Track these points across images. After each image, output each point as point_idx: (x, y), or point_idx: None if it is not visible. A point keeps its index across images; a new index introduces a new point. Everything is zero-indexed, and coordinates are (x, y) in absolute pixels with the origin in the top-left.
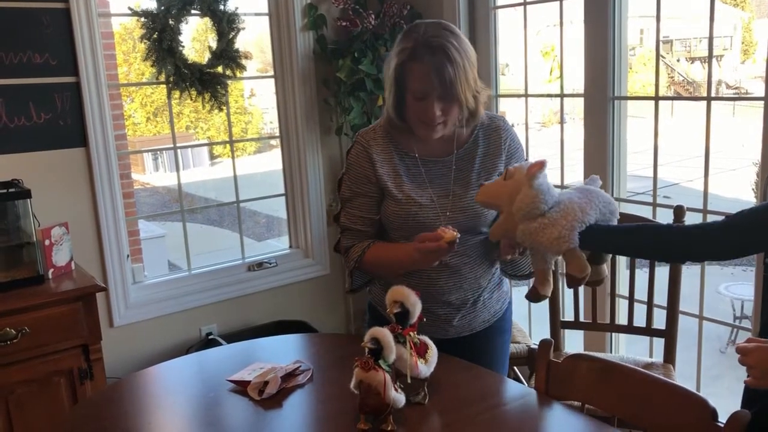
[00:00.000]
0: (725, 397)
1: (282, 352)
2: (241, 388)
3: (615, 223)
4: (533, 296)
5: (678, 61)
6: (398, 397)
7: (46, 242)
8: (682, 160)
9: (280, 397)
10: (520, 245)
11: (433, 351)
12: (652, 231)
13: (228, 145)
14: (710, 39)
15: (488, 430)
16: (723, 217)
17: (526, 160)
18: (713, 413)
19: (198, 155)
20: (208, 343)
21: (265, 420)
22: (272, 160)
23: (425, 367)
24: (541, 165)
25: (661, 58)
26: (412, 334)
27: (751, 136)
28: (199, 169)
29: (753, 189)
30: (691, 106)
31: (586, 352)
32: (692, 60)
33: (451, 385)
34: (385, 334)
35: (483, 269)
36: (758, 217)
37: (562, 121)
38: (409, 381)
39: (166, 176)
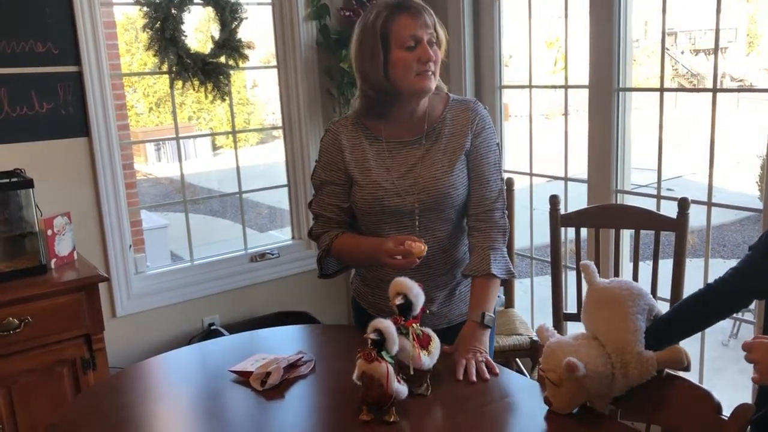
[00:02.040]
0: (728, 390)
1: (284, 343)
2: (244, 378)
3: (654, 303)
4: None
5: (682, 53)
6: (401, 389)
7: (49, 232)
8: (685, 153)
9: (283, 387)
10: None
11: (436, 343)
12: (701, 298)
13: (230, 136)
14: (717, 31)
15: (491, 422)
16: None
17: (497, 143)
18: (717, 406)
19: (200, 146)
20: (210, 333)
21: (267, 410)
22: (275, 151)
23: (428, 359)
24: (571, 367)
25: (666, 50)
26: (415, 325)
27: (755, 129)
28: (202, 160)
29: (757, 182)
30: (694, 98)
31: None
32: (696, 52)
33: (453, 377)
34: (387, 325)
35: (454, 259)
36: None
37: (566, 113)
38: (411, 372)
39: (168, 166)
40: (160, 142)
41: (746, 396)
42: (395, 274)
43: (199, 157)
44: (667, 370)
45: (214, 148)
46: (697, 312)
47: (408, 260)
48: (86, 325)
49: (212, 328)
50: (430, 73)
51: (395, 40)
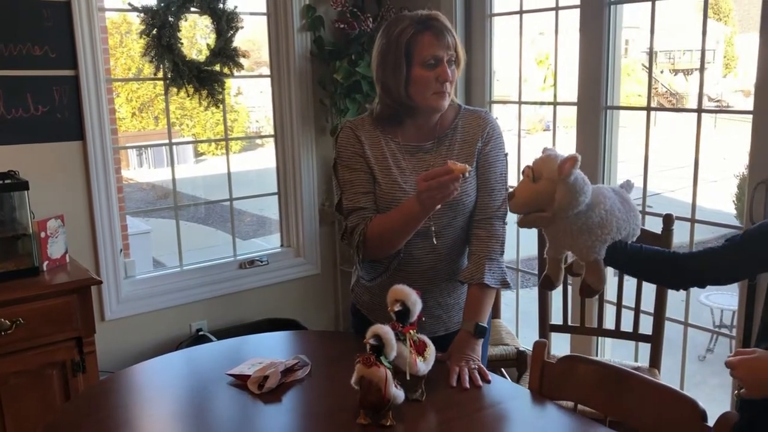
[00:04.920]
0: (706, 403)
1: (274, 349)
2: (241, 382)
3: (634, 240)
4: (547, 284)
5: (661, 72)
6: (398, 394)
7: (42, 234)
8: (663, 171)
9: (280, 391)
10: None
11: (431, 349)
12: (670, 260)
13: (213, 143)
14: (702, 52)
15: (484, 428)
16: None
17: (506, 153)
18: (703, 414)
19: (182, 152)
20: (198, 339)
21: (264, 414)
22: (259, 159)
23: (424, 365)
24: (573, 161)
25: (644, 69)
26: (411, 332)
27: (731, 149)
28: (183, 167)
29: (733, 201)
30: (671, 117)
31: (580, 355)
32: (675, 72)
33: (447, 383)
34: (386, 331)
35: (458, 265)
36: (754, 234)
37: (554, 129)
38: (408, 378)
39: (149, 172)
40: (143, 148)
41: (724, 409)
42: (401, 280)
43: (180, 163)
44: (653, 379)
45: (197, 154)
46: (667, 262)
47: (450, 176)
48: (78, 327)
49: (200, 333)
50: (446, 93)
51: (417, 57)
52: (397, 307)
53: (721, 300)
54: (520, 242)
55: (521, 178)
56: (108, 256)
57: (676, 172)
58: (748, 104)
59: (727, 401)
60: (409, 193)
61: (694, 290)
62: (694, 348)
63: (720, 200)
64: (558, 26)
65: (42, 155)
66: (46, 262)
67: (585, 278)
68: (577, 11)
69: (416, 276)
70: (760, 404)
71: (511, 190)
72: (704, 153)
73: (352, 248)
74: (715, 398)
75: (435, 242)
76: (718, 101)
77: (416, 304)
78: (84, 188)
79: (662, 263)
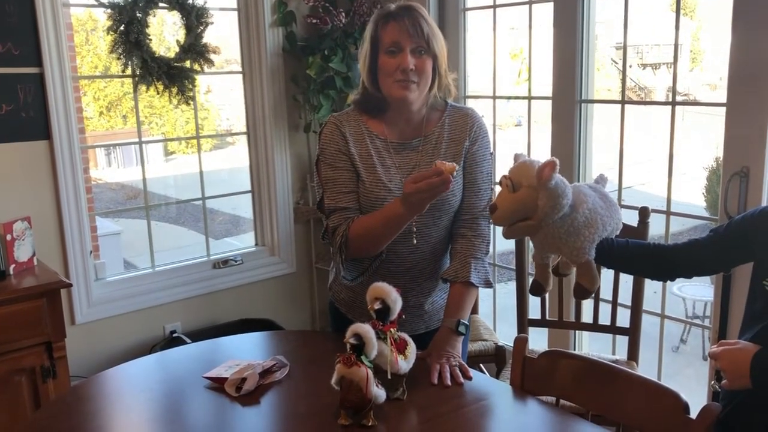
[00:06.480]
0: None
1: (251, 351)
2: (218, 384)
3: (618, 234)
4: (537, 290)
5: (630, 66)
6: (379, 393)
7: (8, 237)
8: (633, 164)
9: (258, 393)
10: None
11: (412, 347)
12: (658, 254)
13: (183, 142)
14: (675, 46)
15: (466, 425)
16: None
17: (492, 153)
18: (685, 407)
19: (152, 151)
20: (172, 341)
21: (243, 416)
22: (230, 157)
23: (405, 363)
24: (553, 165)
25: (613, 63)
26: (392, 330)
27: (699, 141)
28: (153, 166)
29: (703, 193)
30: (640, 111)
31: (561, 349)
32: (644, 66)
33: (428, 381)
34: (367, 330)
35: (441, 265)
36: (737, 226)
37: (530, 124)
38: (389, 377)
39: (118, 172)
40: (111, 147)
41: (699, 399)
42: (383, 279)
43: (150, 162)
44: (635, 372)
45: (167, 153)
46: (654, 256)
47: (442, 178)
48: (47, 332)
49: (174, 335)
50: (411, 83)
51: (382, 45)
52: (377, 305)
53: (694, 291)
54: (496, 237)
55: (499, 189)
56: (77, 258)
57: (645, 165)
58: (715, 97)
59: (701, 392)
60: (393, 192)
61: (668, 282)
62: (667, 339)
63: (689, 192)
64: (532, 20)
65: (7, 155)
66: (12, 266)
67: (578, 280)
68: (551, 5)
69: (399, 274)
70: (738, 395)
71: (493, 203)
72: (674, 146)
73: (334, 248)
74: (690, 389)
75: (414, 242)
76: (685, 95)
77: (396, 302)
78: (51, 189)
79: (650, 257)
